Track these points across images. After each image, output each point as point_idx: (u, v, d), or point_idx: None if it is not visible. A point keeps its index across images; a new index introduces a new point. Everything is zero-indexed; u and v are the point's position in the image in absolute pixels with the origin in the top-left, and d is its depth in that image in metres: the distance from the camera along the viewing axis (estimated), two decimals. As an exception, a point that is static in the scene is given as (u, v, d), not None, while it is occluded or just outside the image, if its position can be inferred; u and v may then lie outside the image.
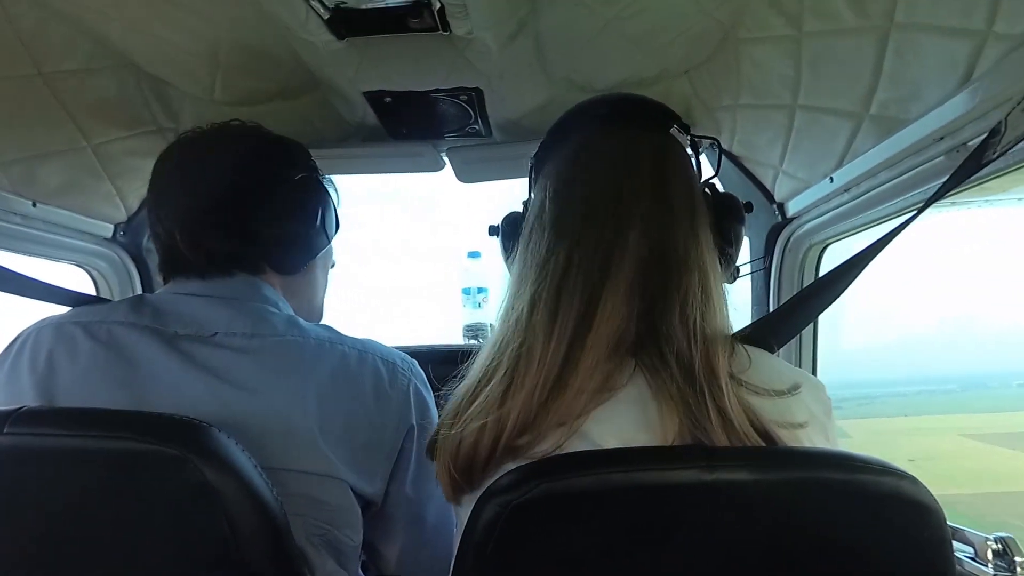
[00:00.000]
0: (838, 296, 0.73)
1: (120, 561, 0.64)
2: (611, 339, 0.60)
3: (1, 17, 0.82)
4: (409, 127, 1.18)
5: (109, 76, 0.99)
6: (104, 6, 0.85)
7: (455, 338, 1.69)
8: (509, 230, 0.78)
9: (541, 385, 0.59)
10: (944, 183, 0.68)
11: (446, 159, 1.28)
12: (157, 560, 0.64)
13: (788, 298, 1.32)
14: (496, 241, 0.83)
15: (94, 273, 1.30)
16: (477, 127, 1.18)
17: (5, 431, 0.62)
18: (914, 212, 0.71)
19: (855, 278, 0.72)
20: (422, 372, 0.85)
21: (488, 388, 0.61)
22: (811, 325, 1.34)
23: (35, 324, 0.78)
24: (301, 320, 0.81)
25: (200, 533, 0.63)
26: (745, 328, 0.70)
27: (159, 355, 0.73)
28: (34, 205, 1.05)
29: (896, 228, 0.70)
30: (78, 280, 1.30)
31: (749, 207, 0.76)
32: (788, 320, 0.77)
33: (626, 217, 0.64)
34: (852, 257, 0.72)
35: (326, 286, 0.96)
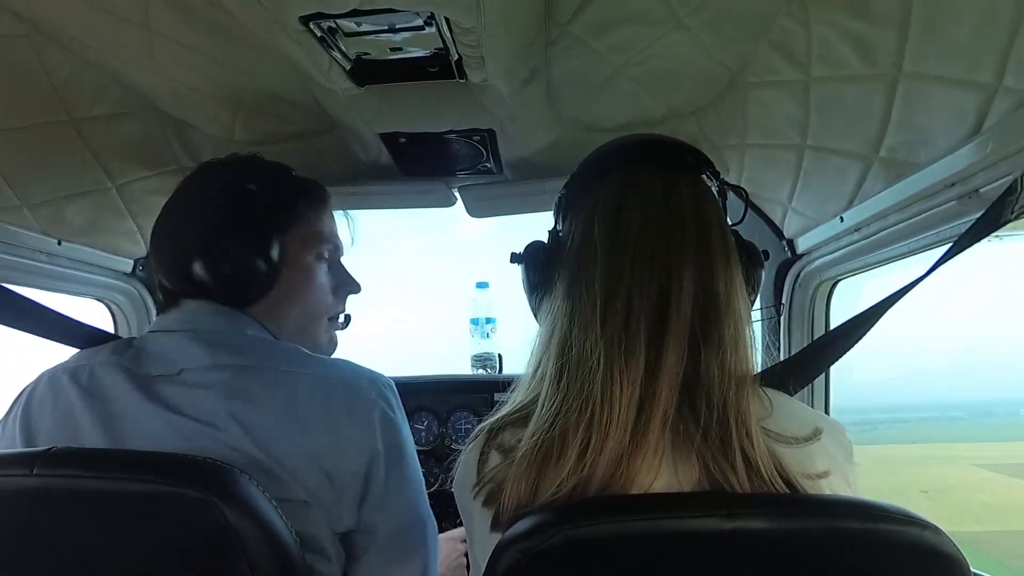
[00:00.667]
0: (855, 344, 0.74)
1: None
2: (675, 386, 0.60)
3: (38, 67, 0.86)
4: (422, 165, 1.20)
5: (135, 120, 1.03)
6: (135, 56, 0.89)
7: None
8: (540, 260, 0.75)
9: (620, 441, 0.58)
10: (960, 239, 0.69)
11: (457, 195, 1.31)
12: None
13: (797, 334, 1.33)
14: (504, 268, 0.81)
15: (113, 307, 1.32)
16: (488, 165, 1.20)
17: (35, 472, 0.63)
18: (929, 267, 0.72)
19: (872, 326, 0.74)
20: (391, 394, 0.83)
21: (565, 445, 0.60)
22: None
23: (37, 377, 0.82)
24: (272, 343, 0.82)
25: (220, 574, 0.63)
26: (764, 370, 0.70)
27: (129, 392, 0.76)
28: (59, 243, 1.08)
29: (911, 283, 0.72)
30: (97, 314, 1.32)
31: (766, 255, 0.77)
32: (807, 364, 0.77)
33: (677, 258, 0.64)
34: (870, 307, 0.73)
35: (319, 314, 0.93)
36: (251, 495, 0.65)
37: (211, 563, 0.63)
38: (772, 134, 1.07)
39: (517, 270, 0.79)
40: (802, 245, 1.23)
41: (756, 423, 0.59)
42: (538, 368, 0.68)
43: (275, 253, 0.85)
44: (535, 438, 0.61)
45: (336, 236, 0.96)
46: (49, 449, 0.65)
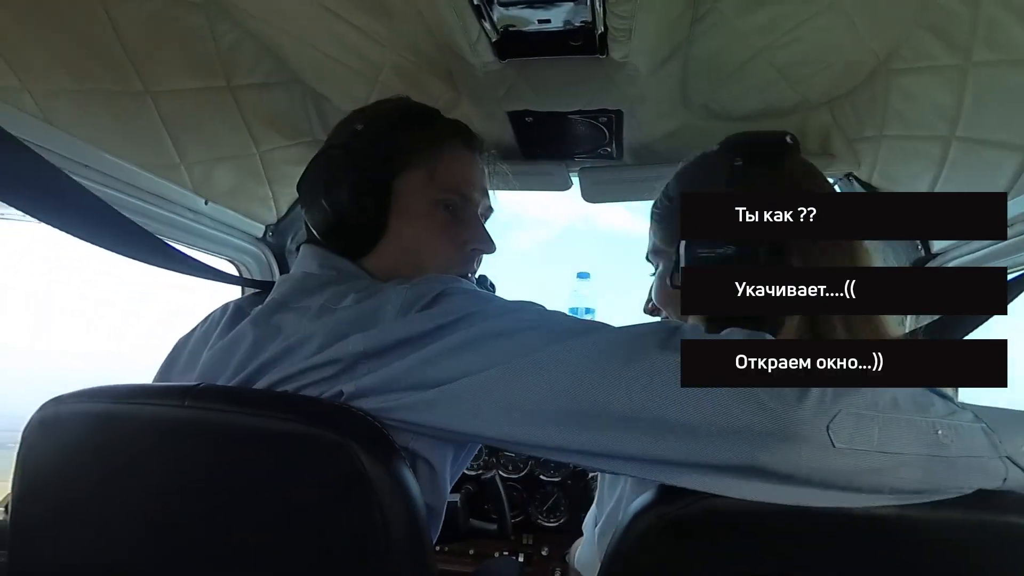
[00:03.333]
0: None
1: (269, 539, 0.65)
2: None
3: (207, 35, 0.94)
4: (544, 147, 1.21)
5: (282, 91, 1.10)
6: (292, 26, 0.95)
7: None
8: None
9: None
10: None
11: (574, 179, 1.31)
12: (304, 543, 0.65)
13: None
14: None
15: (241, 268, 1.41)
16: (609, 149, 1.20)
17: (186, 404, 0.66)
18: None
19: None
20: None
21: None
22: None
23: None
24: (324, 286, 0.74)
25: (351, 521, 0.63)
26: None
27: (224, 327, 0.77)
28: (206, 203, 1.16)
29: None
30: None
31: None
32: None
33: None
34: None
35: (432, 268, 0.79)
36: (385, 443, 0.65)
37: (343, 508, 0.63)
38: (915, 124, 1.01)
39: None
40: (937, 244, 1.16)
41: None
42: None
43: (378, 199, 0.78)
44: None
45: (471, 187, 0.84)
46: (198, 384, 0.70)
